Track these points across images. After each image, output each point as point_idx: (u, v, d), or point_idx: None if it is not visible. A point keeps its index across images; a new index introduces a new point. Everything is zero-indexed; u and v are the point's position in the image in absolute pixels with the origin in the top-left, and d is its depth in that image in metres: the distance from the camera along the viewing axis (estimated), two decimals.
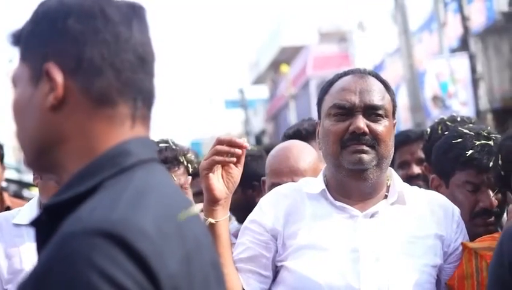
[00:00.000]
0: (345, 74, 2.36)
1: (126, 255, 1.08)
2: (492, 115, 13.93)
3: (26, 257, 2.84)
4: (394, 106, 2.33)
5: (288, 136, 3.55)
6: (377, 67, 24.24)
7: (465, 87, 14.53)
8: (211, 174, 2.21)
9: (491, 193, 2.59)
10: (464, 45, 14.56)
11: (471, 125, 2.91)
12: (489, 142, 2.61)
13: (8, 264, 2.88)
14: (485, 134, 2.65)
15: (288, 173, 2.80)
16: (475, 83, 14.03)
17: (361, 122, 2.22)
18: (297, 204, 2.28)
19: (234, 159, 2.22)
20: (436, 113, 13.68)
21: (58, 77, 1.23)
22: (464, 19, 14.17)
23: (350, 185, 2.27)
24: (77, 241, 1.08)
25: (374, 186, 2.27)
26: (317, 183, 2.32)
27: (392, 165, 2.39)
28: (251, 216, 2.34)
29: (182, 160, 3.11)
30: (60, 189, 1.25)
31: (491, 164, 2.54)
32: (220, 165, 2.24)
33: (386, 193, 2.31)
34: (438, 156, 2.78)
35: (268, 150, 3.66)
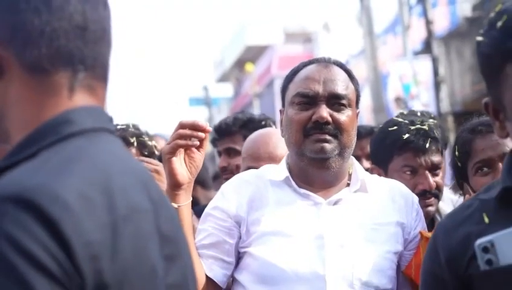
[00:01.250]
0: (310, 62, 2.36)
1: (36, 220, 1.05)
2: (453, 117, 14.12)
3: None
4: (358, 96, 2.34)
5: (214, 130, 3.59)
6: None
7: (428, 89, 14.71)
8: (173, 159, 2.20)
9: (429, 174, 2.67)
10: (427, 48, 14.73)
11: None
12: (424, 126, 2.71)
13: None
14: (419, 121, 2.75)
15: (266, 158, 2.81)
16: (437, 85, 14.21)
17: (325, 112, 2.22)
18: (260, 191, 2.28)
19: (197, 143, 2.22)
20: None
21: None
22: (428, 23, 14.34)
23: (312, 173, 2.27)
24: None
25: (336, 174, 2.28)
26: (281, 171, 2.31)
27: None
28: (213, 202, 2.33)
29: (132, 141, 3.07)
30: (1, 159, 1.24)
31: (427, 145, 2.66)
32: (182, 150, 2.22)
33: (348, 181, 2.33)
34: (375, 145, 2.88)
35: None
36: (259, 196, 2.27)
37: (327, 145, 2.22)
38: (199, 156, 2.25)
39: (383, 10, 18.17)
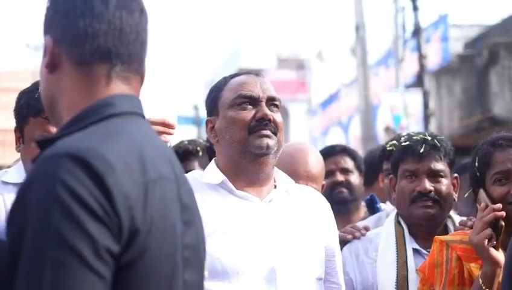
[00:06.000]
0: (236, 75, 2.58)
1: (86, 173, 1.32)
2: None
3: None
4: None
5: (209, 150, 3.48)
6: (332, 97, 24.68)
7: (417, 121, 15.02)
8: None
9: (425, 178, 2.92)
10: (418, 81, 15.07)
11: None
12: (426, 137, 3.00)
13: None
14: (424, 134, 3.04)
15: (305, 177, 2.96)
16: (427, 118, 14.55)
17: (268, 110, 2.43)
18: (199, 194, 2.37)
19: (168, 139, 2.45)
20: None
21: (49, 45, 1.54)
22: (421, 57, 14.70)
23: (253, 169, 2.43)
24: (48, 161, 1.34)
25: (269, 173, 2.47)
26: (215, 174, 2.46)
27: None
28: None
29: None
30: (56, 132, 1.56)
31: (422, 150, 2.93)
32: None
33: (274, 183, 2.51)
34: (392, 159, 3.16)
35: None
36: (200, 198, 2.34)
37: (270, 141, 2.41)
38: None
39: (376, 42, 18.47)
